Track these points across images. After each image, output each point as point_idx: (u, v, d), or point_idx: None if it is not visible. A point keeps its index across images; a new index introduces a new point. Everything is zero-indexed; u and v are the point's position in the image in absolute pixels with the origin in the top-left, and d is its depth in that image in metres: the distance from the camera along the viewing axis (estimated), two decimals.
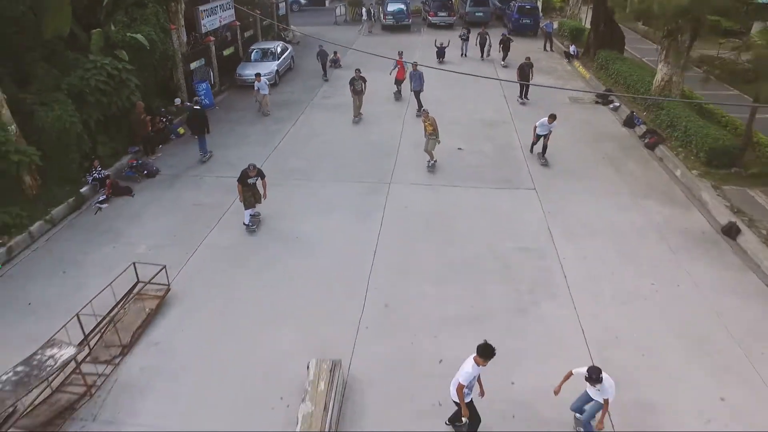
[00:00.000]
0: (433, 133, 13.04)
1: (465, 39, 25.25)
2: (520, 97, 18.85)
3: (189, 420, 6.89)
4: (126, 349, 7.93)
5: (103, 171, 12.89)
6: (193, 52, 18.25)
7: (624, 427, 6.79)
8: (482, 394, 6.53)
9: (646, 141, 15.16)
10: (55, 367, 6.66)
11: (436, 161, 13.48)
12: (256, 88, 17.40)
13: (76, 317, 7.56)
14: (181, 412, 7.01)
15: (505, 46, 23.17)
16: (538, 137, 13.78)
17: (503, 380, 7.30)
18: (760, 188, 12.50)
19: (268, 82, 18.19)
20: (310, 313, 8.67)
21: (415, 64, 17.04)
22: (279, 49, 21.69)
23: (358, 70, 16.75)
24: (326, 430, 6.26)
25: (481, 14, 30.43)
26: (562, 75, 22.09)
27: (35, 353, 6.91)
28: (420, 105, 17.01)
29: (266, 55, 21.21)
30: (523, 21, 28.70)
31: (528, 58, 18.76)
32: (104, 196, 12.42)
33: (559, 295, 9.11)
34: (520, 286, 9.27)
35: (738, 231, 10.71)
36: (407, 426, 6.79)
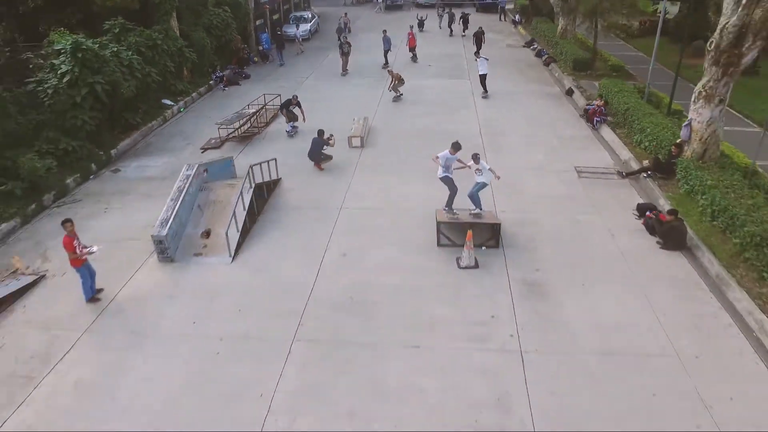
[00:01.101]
0: (398, 83, 20.00)
1: (441, 15, 34.50)
2: (476, 54, 27.21)
3: (298, 148, 15.98)
4: (267, 124, 17.19)
5: (220, 72, 22.16)
6: (257, 13, 27.56)
7: (492, 137, 15.96)
8: (463, 167, 10.89)
9: (544, 62, 24.58)
10: (249, 113, 15.95)
11: (401, 94, 20.15)
12: (297, 38, 26.95)
13: (247, 105, 16.88)
14: (298, 145, 16.15)
15: (465, 20, 32.13)
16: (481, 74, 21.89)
17: (438, 126, 16.60)
18: (600, 81, 21.83)
19: (300, 34, 27.60)
20: (347, 115, 17.78)
21: (384, 31, 24.70)
22: (309, 16, 31.13)
23: (345, 37, 25.12)
24: (361, 135, 15.48)
25: None
26: (507, 33, 31.66)
27: (237, 111, 16.21)
28: (386, 62, 24.54)
29: (301, 20, 30.56)
30: (487, 1, 38.21)
31: (480, 28, 26.97)
32: (223, 85, 21.73)
33: (471, 109, 18.46)
34: (452, 107, 18.66)
35: (572, 92, 20.10)
36: (398, 143, 15.97)
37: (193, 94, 20.43)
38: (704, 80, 12.25)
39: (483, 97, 20.04)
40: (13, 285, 9.75)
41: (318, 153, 13.80)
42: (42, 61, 14.74)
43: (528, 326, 8.61)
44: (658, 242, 10.75)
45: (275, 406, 7.25)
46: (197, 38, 21.17)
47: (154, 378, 7.78)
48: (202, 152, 15.47)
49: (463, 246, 10.22)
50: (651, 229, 11.05)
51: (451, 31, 32.04)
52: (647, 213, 11.36)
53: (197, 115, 18.86)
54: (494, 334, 8.47)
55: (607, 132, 16.32)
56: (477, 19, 32.89)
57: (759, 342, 8.30)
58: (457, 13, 33.07)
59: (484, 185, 10.86)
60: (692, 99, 12.71)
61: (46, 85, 14.15)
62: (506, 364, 7.90)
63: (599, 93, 18.31)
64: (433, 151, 14.47)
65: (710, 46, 11.88)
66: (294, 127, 16.38)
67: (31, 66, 14.65)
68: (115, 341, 8.54)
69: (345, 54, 23.40)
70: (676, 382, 7.59)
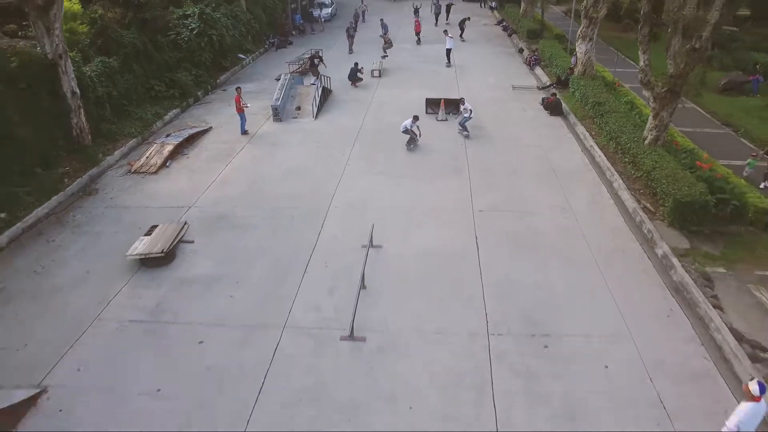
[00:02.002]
0: (386, 45, 28.91)
1: (435, 3, 43.01)
2: (460, 37, 35.62)
3: (340, 78, 24.51)
4: (318, 64, 25.73)
5: (272, 39, 30.73)
6: None
7: (463, 73, 24.58)
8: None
9: (508, 34, 33.28)
10: (306, 57, 24.53)
11: (386, 55, 28.32)
12: (320, 18, 35.57)
13: (302, 54, 25.47)
14: (337, 78, 24.65)
15: (447, 9, 40.49)
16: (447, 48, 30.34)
17: (429, 68, 25.22)
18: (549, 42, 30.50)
19: (324, 16, 36.23)
20: (367, 63, 26.35)
21: (381, 19, 33.46)
22: (329, 2, 39.79)
23: (351, 22, 33.57)
24: (380, 69, 24.05)
25: None
26: (485, 16, 40.42)
27: (297, 56, 24.79)
28: (385, 42, 33.52)
29: (323, 5, 39.17)
30: None
31: (468, 17, 35.51)
32: (275, 47, 30.32)
33: (451, 60, 27.08)
34: (439, 59, 27.21)
35: (522, 50, 28.78)
36: (403, 75, 24.53)
37: (256, 53, 28.99)
38: (581, 28, 20.93)
39: (447, 67, 26.30)
40: (196, 129, 18.27)
41: (354, 76, 22.41)
42: (176, 21, 23.17)
43: (471, 136, 17.25)
44: (548, 113, 19.40)
45: (350, 159, 15.86)
46: (257, 14, 29.74)
47: (289, 155, 16.35)
48: (277, 80, 23.99)
49: (439, 111, 18.86)
50: (546, 108, 19.69)
51: (437, 21, 38.98)
52: (544, 98, 20.03)
53: (264, 64, 27.44)
54: (454, 140, 17.14)
55: (538, 70, 25.01)
56: (462, 7, 41.55)
57: (582, 141, 17.01)
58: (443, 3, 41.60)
59: (469, 118, 17.46)
60: (576, 39, 21.38)
61: (182, 35, 22.66)
62: (457, 147, 16.55)
63: (535, 48, 26.98)
64: (426, 79, 23.30)
65: (582, 7, 20.53)
66: (318, 79, 21.42)
67: (170, 24, 23.05)
68: (264, 146, 17.11)
69: (351, 36, 30.77)
70: (537, 153, 16.20)
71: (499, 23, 36.86)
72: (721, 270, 10.98)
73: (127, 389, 8.37)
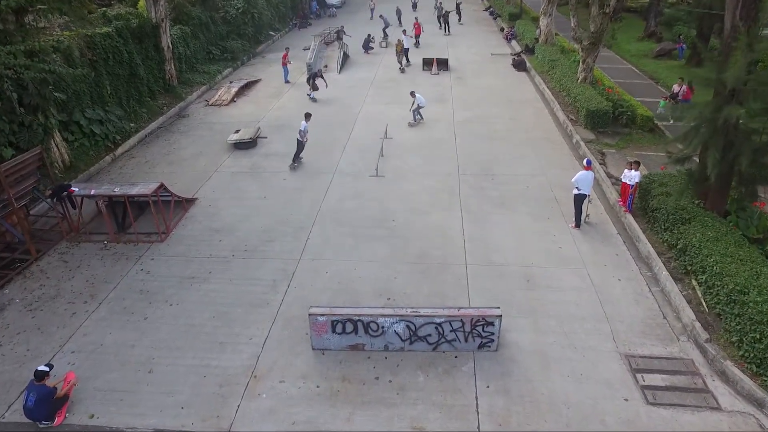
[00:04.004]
0: (400, 52, 35.40)
1: (438, 6, 49.02)
2: (448, 32, 41.48)
3: (355, 50, 30.57)
4: (333, 40, 31.80)
5: (294, 21, 36.81)
6: None
7: (453, 45, 30.64)
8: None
9: (494, 18, 39.38)
10: (332, 33, 30.62)
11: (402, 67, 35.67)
12: (332, 6, 41.71)
13: (322, 31, 31.59)
14: (352, 49, 30.72)
15: (458, 10, 46.47)
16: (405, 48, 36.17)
17: (425, 42, 31.31)
18: (523, 21, 36.58)
19: (336, 5, 42.37)
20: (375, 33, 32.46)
21: (381, 15, 39.49)
22: None
23: (342, 26, 39.52)
24: (386, 45, 30.13)
25: None
26: (474, 3, 46.55)
27: (318, 32, 30.92)
28: (385, 35, 38.66)
29: None
30: None
31: (447, 12, 41.96)
32: (297, 27, 36.40)
33: (441, 38, 33.12)
34: (433, 36, 33.29)
35: (503, 29, 34.86)
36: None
37: (282, 31, 35.05)
38: (543, 6, 26.99)
39: (405, 63, 31.34)
40: (250, 79, 24.33)
41: (366, 46, 28.50)
42: (224, 1, 29.20)
43: (455, 83, 23.35)
44: (515, 69, 25.49)
45: (368, 95, 21.94)
46: (284, 0, 35.84)
47: (324, 93, 22.37)
48: (304, 50, 30.08)
49: (432, 67, 24.98)
50: (513, 66, 25.77)
51: (440, 24, 35.90)
52: (513, 58, 26.14)
53: (290, 40, 33.42)
54: (443, 83, 23.22)
55: (513, 42, 31.11)
56: None
57: (537, 86, 23.11)
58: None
59: (420, 107, 18.88)
60: (539, 15, 27.43)
61: (230, 13, 28.71)
62: (444, 90, 22.63)
63: (512, 25, 33.08)
64: (422, 50, 29.40)
65: None
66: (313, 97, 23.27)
67: (220, 4, 29.08)
68: (304, 89, 23.16)
69: (339, 39, 36.49)
70: (501, 92, 22.27)
71: (487, 9, 42.96)
72: (613, 150, 17.04)
73: (245, 197, 14.42)
